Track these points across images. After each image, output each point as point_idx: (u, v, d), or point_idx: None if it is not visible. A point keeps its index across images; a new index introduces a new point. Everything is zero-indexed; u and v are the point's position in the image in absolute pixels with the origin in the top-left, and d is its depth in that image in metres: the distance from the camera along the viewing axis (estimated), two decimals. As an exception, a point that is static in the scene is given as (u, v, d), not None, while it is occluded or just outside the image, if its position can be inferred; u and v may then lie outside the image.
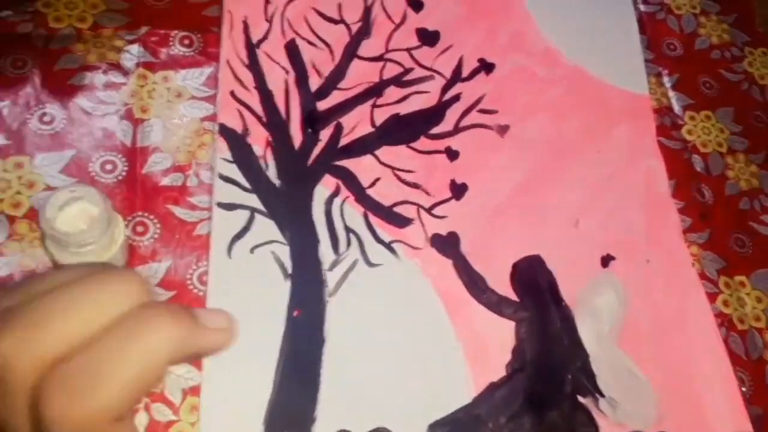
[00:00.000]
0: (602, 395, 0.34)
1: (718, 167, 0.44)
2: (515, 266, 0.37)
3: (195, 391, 0.31)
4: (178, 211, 0.35)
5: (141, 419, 0.30)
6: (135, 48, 0.39)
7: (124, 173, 0.35)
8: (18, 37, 0.37)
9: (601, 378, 0.35)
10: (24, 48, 0.37)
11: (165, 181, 0.36)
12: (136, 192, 0.35)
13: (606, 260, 0.38)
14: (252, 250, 0.34)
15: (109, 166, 0.35)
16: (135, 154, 0.36)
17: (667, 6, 0.49)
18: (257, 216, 0.35)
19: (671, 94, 0.46)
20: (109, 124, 0.36)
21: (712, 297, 0.39)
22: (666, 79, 0.47)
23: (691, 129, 0.45)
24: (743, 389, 0.37)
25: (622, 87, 0.44)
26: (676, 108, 0.46)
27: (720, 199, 0.43)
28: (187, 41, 0.40)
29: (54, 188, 0.34)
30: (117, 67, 0.38)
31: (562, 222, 0.39)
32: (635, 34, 0.47)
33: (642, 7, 0.49)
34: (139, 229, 0.34)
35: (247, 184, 0.35)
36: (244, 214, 0.34)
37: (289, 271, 0.34)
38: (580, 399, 0.34)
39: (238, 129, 0.37)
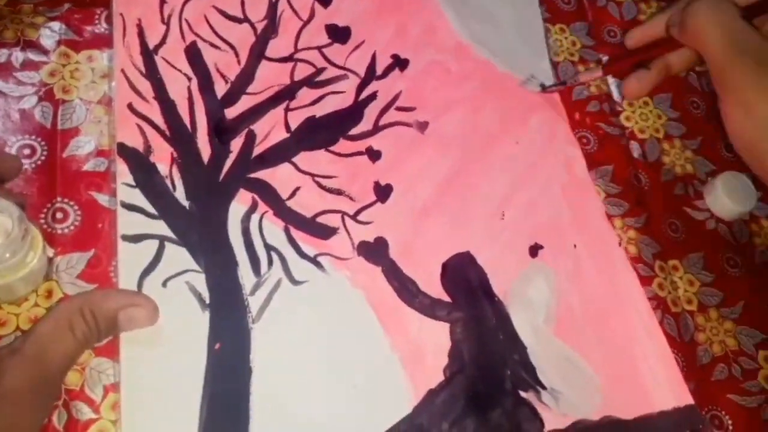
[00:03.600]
0: (543, 387, 0.38)
1: (654, 153, 0.49)
2: (445, 266, 0.40)
3: (117, 387, 0.32)
4: (102, 198, 0.36)
5: (59, 417, 0.32)
6: (56, 25, 0.40)
7: (43, 157, 0.36)
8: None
9: (541, 370, 0.39)
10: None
11: (87, 166, 0.37)
12: (56, 177, 0.36)
13: (534, 250, 0.42)
14: (164, 284, 0.35)
15: (27, 150, 0.36)
16: (55, 138, 0.37)
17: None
18: (167, 244, 0.36)
19: (610, 80, 0.50)
20: (27, 106, 0.37)
21: (647, 280, 0.43)
22: (606, 66, 0.50)
23: (629, 115, 0.49)
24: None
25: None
26: (615, 94, 0.50)
27: (656, 185, 0.47)
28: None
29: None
30: (36, 45, 0.39)
31: (488, 215, 0.42)
32: (539, 26, 0.50)
33: None
34: (59, 216, 0.35)
35: (153, 210, 0.36)
36: (153, 245, 0.35)
37: (207, 301, 0.35)
38: (522, 394, 0.38)
39: (140, 147, 0.38)
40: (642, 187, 0.47)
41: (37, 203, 0.35)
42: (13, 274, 0.31)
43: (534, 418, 0.37)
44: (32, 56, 0.39)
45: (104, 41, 0.40)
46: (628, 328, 0.41)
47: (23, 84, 0.38)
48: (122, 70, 0.39)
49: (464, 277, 0.40)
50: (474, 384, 0.37)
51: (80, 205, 0.36)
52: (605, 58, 0.49)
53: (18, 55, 0.38)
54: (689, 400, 0.40)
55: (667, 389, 0.40)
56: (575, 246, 0.43)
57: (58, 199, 0.35)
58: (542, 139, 0.46)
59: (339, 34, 0.44)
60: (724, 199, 0.46)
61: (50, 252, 0.34)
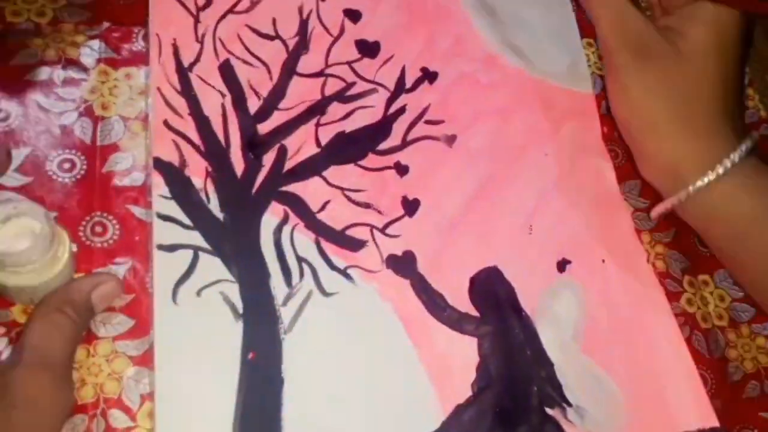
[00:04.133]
0: (569, 404, 0.38)
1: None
2: (472, 280, 0.40)
3: (153, 396, 0.34)
4: (138, 212, 0.38)
5: (98, 425, 0.33)
6: (96, 43, 0.41)
7: (83, 172, 0.38)
8: (-28, 32, 0.40)
9: (568, 387, 0.39)
10: (-22, 43, 0.39)
11: (125, 181, 0.38)
12: (95, 191, 0.38)
13: (562, 264, 0.42)
14: (199, 293, 0.36)
15: (67, 165, 0.38)
16: (95, 153, 0.39)
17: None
18: (201, 255, 0.37)
19: None
20: (67, 122, 0.39)
21: (676, 296, 0.44)
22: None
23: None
24: (706, 388, 0.41)
25: (565, 87, 0.48)
26: None
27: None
28: (151, 38, 0.42)
29: (6, 188, 0.36)
30: (76, 63, 0.41)
31: (516, 230, 0.43)
32: (575, 33, 0.50)
33: None
34: (98, 229, 0.37)
35: (188, 221, 0.37)
36: (187, 255, 0.37)
37: (240, 311, 0.36)
38: (548, 411, 0.38)
39: (175, 161, 0.39)
40: (671, 202, 0.47)
41: (76, 217, 0.37)
42: (49, 271, 0.33)
43: (560, 435, 0.37)
44: (73, 74, 0.40)
45: (142, 59, 0.42)
46: (654, 347, 0.41)
47: (64, 100, 0.40)
48: (158, 88, 0.41)
49: (492, 292, 0.40)
50: (501, 400, 0.37)
51: (118, 219, 0.37)
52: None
53: (59, 73, 0.40)
54: (714, 422, 0.39)
55: (692, 410, 0.40)
56: (603, 261, 0.43)
57: (97, 213, 0.37)
58: (572, 150, 0.46)
59: (369, 48, 0.45)
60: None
61: (73, 246, 0.35)
